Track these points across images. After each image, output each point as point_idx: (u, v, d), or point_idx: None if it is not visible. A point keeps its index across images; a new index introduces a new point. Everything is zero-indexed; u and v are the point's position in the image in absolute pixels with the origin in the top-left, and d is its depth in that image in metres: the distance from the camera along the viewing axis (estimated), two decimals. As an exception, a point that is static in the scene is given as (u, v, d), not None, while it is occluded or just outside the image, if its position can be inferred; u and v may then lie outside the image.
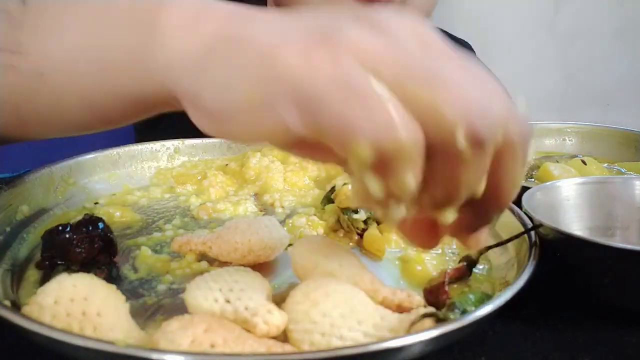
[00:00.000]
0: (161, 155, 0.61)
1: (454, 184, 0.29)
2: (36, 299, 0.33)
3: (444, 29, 0.98)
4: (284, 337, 0.32)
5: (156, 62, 0.33)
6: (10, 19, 0.37)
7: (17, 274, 0.42)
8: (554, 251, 0.39)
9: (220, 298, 0.34)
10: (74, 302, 0.33)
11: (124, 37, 0.35)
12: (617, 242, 0.43)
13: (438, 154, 0.28)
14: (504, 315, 0.33)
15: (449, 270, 0.38)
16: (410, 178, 0.28)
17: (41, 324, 0.30)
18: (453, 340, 0.32)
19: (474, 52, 0.96)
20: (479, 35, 1.32)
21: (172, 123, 0.65)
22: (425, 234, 0.34)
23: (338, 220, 0.49)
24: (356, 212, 0.48)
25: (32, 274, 0.43)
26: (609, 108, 1.48)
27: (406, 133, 0.26)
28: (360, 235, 0.47)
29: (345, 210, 0.48)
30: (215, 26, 0.32)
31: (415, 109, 0.27)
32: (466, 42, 0.97)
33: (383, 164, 0.27)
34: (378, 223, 0.47)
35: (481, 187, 0.30)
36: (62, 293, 0.33)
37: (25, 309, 0.33)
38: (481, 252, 0.39)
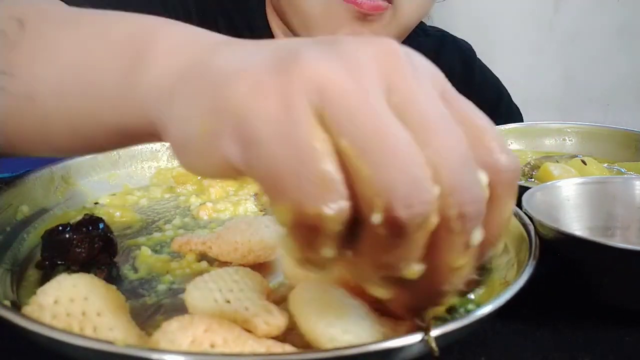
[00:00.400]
0: (161, 155, 0.61)
1: (374, 262, 0.26)
2: (36, 299, 0.33)
3: (444, 29, 0.98)
4: (283, 337, 0.32)
5: (138, 90, 0.32)
6: (7, 40, 0.37)
7: (17, 274, 0.42)
8: (554, 251, 0.39)
9: (220, 298, 0.34)
10: (74, 302, 0.33)
11: (112, 64, 0.34)
12: (617, 242, 0.42)
13: (364, 225, 0.25)
14: (504, 315, 0.33)
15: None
16: (326, 251, 0.25)
17: (41, 324, 0.30)
18: (453, 340, 0.32)
19: (475, 53, 0.96)
20: (479, 35, 1.31)
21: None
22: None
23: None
24: None
25: (32, 274, 0.43)
26: (609, 108, 1.48)
27: (331, 208, 0.24)
28: None
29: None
30: (192, 54, 0.30)
31: (347, 167, 0.24)
32: (467, 44, 0.97)
33: (301, 228, 0.25)
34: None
35: (411, 271, 0.26)
36: (62, 293, 0.33)
37: (26, 309, 0.33)
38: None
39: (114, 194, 0.56)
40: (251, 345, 0.30)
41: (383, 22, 0.72)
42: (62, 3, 0.42)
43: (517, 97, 0.98)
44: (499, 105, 0.94)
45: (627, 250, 0.36)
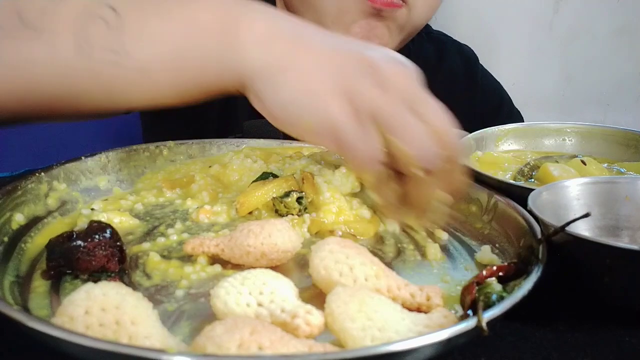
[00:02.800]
0: (150, 158, 0.62)
1: (419, 195, 0.47)
2: (65, 310, 0.34)
3: (445, 31, 1.01)
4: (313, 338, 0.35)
5: (238, 65, 0.47)
6: (108, 25, 0.47)
7: (23, 285, 0.42)
8: (556, 251, 0.40)
9: (253, 302, 0.36)
10: (105, 312, 0.33)
11: (211, 46, 0.47)
12: (624, 242, 0.44)
13: (407, 176, 0.46)
14: (504, 315, 0.34)
15: (486, 269, 0.39)
16: (391, 185, 0.47)
17: (91, 337, 0.31)
18: (467, 339, 0.34)
19: (477, 58, 1.00)
20: (480, 35, 1.35)
21: (176, 119, 0.66)
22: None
23: (277, 211, 0.54)
24: (287, 196, 0.53)
25: (40, 284, 0.43)
26: (609, 108, 1.52)
27: (377, 168, 0.46)
28: (300, 214, 0.53)
29: (275, 199, 0.54)
30: (284, 48, 0.47)
31: (392, 149, 0.45)
32: (469, 48, 1.01)
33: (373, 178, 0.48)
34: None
35: (442, 195, 0.47)
36: (92, 303, 0.34)
37: (56, 321, 0.33)
38: (533, 251, 0.41)
39: (106, 199, 0.56)
40: (295, 345, 0.32)
41: (398, 21, 0.75)
42: None
43: (518, 98, 1.01)
44: (500, 110, 0.98)
45: (628, 250, 0.38)
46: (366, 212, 0.54)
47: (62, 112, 0.51)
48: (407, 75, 0.47)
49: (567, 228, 0.39)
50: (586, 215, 0.39)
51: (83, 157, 0.57)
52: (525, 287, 0.36)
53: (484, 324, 0.32)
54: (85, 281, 0.43)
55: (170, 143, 0.63)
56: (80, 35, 0.47)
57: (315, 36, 0.48)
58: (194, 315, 0.40)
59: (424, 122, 0.45)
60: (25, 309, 0.40)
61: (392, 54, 0.48)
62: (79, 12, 0.47)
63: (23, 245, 0.47)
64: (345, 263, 0.39)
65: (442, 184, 0.47)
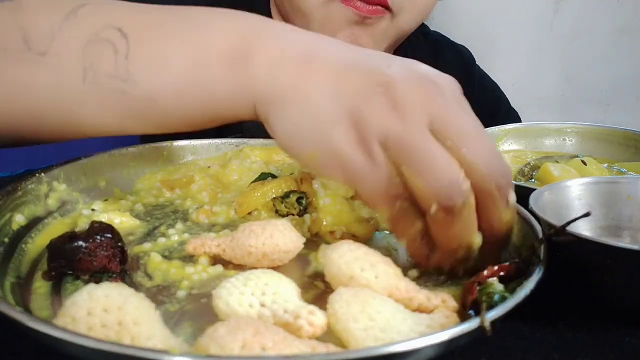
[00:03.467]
0: (149, 158, 0.62)
1: (443, 239, 0.40)
2: (67, 311, 0.34)
3: (445, 29, 1.01)
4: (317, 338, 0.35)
5: (249, 92, 0.44)
6: (116, 50, 0.45)
7: (23, 286, 0.42)
8: (557, 251, 0.40)
9: (255, 302, 0.36)
10: (108, 313, 0.33)
11: (222, 74, 0.44)
12: (625, 243, 0.44)
13: (428, 216, 0.40)
14: (504, 315, 0.34)
15: (487, 269, 0.39)
16: (416, 224, 0.41)
17: (94, 338, 0.31)
18: (469, 340, 0.34)
19: (474, 59, 1.00)
20: (479, 35, 1.35)
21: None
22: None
23: (277, 211, 0.54)
24: (287, 196, 0.53)
25: (40, 285, 0.43)
26: (609, 108, 1.53)
27: (383, 200, 0.40)
28: (300, 215, 0.53)
29: (275, 199, 0.54)
30: (292, 70, 0.43)
31: (408, 182, 0.39)
32: (466, 49, 1.01)
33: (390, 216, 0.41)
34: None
35: (474, 239, 0.40)
36: (94, 304, 0.34)
37: (58, 322, 0.34)
38: (534, 250, 0.41)
39: (106, 199, 0.56)
40: (297, 346, 0.32)
41: (382, 26, 0.76)
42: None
43: (517, 97, 1.01)
44: (497, 110, 0.98)
45: (628, 250, 0.38)
46: (366, 213, 0.54)
47: (66, 137, 0.50)
48: (432, 94, 0.40)
49: (568, 228, 0.40)
50: (586, 215, 0.39)
51: (83, 157, 0.57)
52: (527, 286, 0.36)
53: (487, 325, 0.32)
54: (86, 282, 0.43)
55: (170, 143, 0.63)
56: (87, 62, 0.45)
57: (329, 53, 0.43)
58: (196, 315, 0.40)
59: (451, 149, 0.39)
60: (27, 310, 0.40)
61: (419, 69, 0.42)
62: (86, 36, 0.46)
63: (24, 246, 0.47)
64: (365, 260, 0.39)
65: (480, 224, 0.40)
